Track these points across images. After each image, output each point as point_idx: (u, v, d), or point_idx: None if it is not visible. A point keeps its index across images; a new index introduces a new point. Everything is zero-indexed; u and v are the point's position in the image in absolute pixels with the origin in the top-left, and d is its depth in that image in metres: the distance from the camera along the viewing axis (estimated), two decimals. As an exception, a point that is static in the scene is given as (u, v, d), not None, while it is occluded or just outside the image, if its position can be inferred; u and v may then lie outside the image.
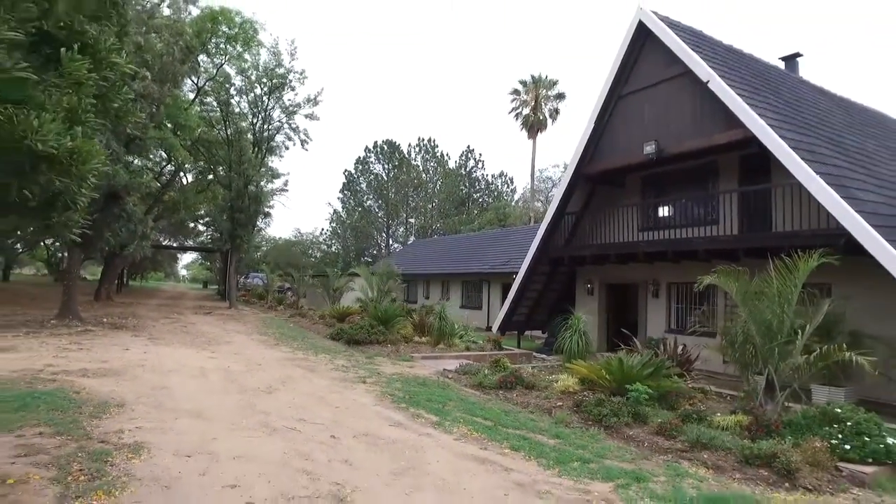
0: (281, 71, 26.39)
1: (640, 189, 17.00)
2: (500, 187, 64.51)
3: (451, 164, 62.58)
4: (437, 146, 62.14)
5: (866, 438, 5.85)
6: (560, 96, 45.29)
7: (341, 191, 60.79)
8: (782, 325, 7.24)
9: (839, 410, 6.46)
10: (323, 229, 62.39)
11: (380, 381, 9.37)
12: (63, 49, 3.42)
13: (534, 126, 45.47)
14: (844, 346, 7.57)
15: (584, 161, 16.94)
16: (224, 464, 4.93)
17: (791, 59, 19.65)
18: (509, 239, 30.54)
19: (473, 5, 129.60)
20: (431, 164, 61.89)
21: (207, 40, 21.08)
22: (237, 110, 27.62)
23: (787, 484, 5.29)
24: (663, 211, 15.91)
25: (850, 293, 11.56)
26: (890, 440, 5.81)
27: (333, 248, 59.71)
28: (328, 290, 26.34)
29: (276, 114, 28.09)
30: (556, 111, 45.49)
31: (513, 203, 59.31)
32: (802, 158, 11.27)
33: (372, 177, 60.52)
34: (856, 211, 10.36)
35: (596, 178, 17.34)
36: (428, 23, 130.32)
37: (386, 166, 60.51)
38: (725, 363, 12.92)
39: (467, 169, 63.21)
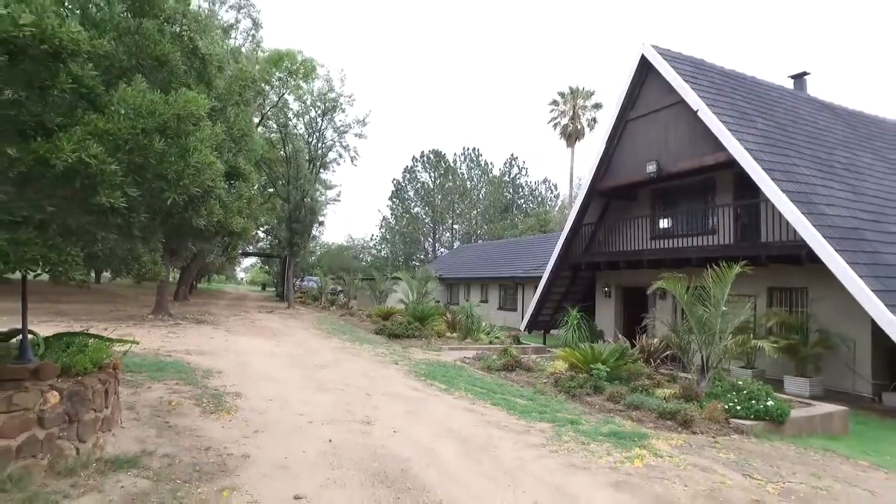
0: (333, 95, 29.50)
1: (650, 202, 18.97)
2: (543, 193, 66.39)
3: (495, 172, 64.89)
4: (481, 155, 64.64)
5: (753, 402, 7.90)
6: (597, 106, 46.83)
7: (390, 198, 64.02)
8: (714, 320, 9.25)
9: (741, 383, 8.50)
10: (373, 235, 65.85)
11: (409, 363, 11.89)
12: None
13: (572, 135, 47.23)
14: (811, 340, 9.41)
15: (598, 178, 19.06)
16: (294, 405, 7.52)
17: (799, 78, 21.13)
18: (543, 245, 32.51)
19: (513, 20, 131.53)
20: (476, 172, 64.36)
21: (272, 75, 24.30)
22: (294, 131, 30.88)
23: (683, 430, 7.43)
24: (666, 223, 17.82)
25: (822, 296, 13.32)
26: (770, 403, 7.84)
27: (383, 253, 62.92)
28: (375, 293, 29.15)
29: (329, 133, 31.27)
30: (594, 121, 47.03)
31: (555, 209, 61.01)
32: (775, 178, 13.09)
33: (419, 185, 63.49)
34: (817, 224, 12.15)
35: (609, 193, 19.42)
36: (471, 37, 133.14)
37: (432, 175, 63.37)
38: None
39: (511, 176, 65.40)
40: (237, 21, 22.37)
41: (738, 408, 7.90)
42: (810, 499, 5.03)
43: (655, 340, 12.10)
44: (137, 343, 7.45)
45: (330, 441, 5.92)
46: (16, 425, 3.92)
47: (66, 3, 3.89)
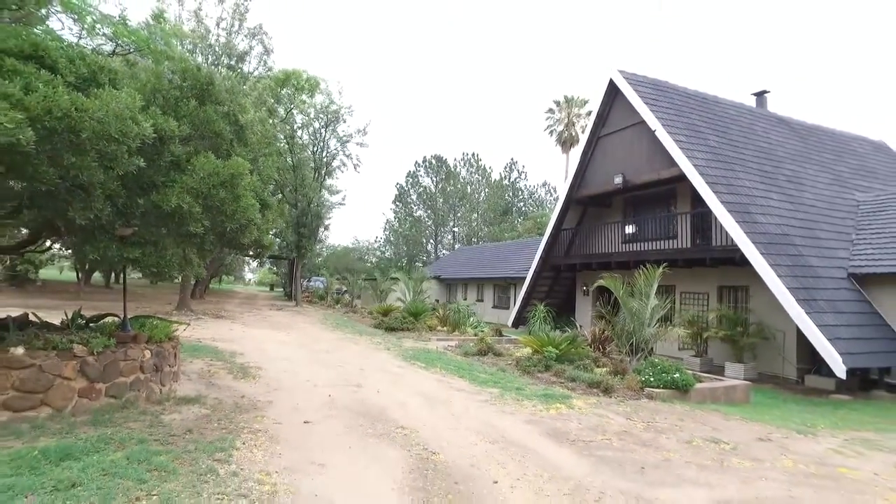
0: (334, 108, 31.74)
1: (621, 209, 21.13)
2: (542, 196, 68.45)
3: (495, 176, 67.03)
4: (481, 160, 66.81)
5: (664, 374, 10.03)
6: (591, 114, 48.58)
7: (394, 202, 66.30)
8: (643, 311, 11.35)
9: (657, 360, 10.62)
10: (378, 237, 68.16)
11: (399, 350, 14.10)
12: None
13: (567, 142, 49.33)
14: (749, 332, 11.61)
15: (574, 188, 21.23)
16: (302, 375, 9.73)
17: (760, 95, 23.17)
18: (535, 248, 34.54)
19: (512, 31, 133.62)
20: (476, 176, 66.53)
21: (280, 94, 26.59)
22: (300, 142, 33.16)
23: (604, 396, 9.56)
24: (633, 228, 19.94)
25: (759, 293, 15.38)
26: (677, 375, 9.96)
27: (387, 255, 65.17)
28: (376, 292, 31.37)
29: (332, 143, 33.54)
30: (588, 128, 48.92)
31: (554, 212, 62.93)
32: (717, 191, 15.17)
33: (421, 189, 65.74)
34: (748, 231, 14.22)
35: (585, 201, 21.58)
36: (472, 45, 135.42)
37: (434, 179, 65.61)
38: (681, 349, 16.96)
39: (511, 179, 67.53)
40: (251, 48, 24.71)
41: (652, 379, 10.03)
42: (663, 429, 7.19)
43: (597, 329, 14.19)
44: (189, 325, 9.70)
45: (329, 396, 8.13)
46: (129, 369, 6.16)
47: (159, 101, 6.08)
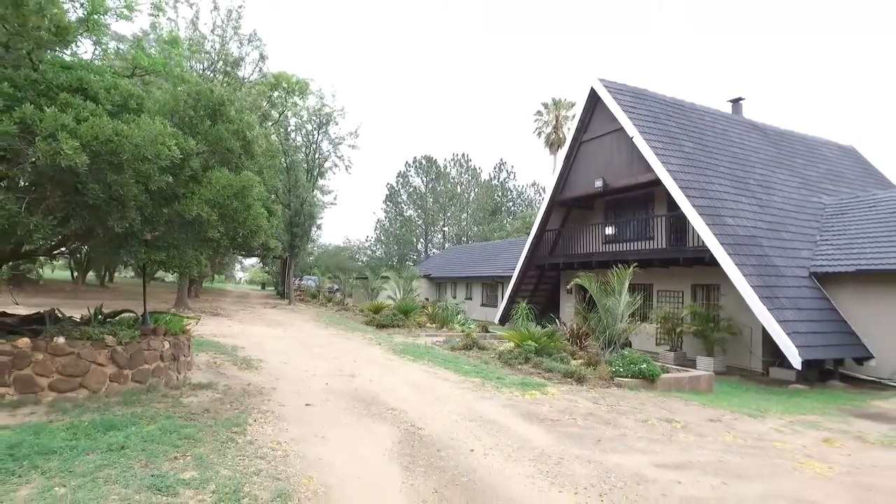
0: (327, 110, 32.54)
1: (603, 211, 22.11)
2: (532, 196, 69.50)
3: (484, 176, 68.01)
4: (471, 160, 67.77)
5: (632, 365, 10.97)
6: (576, 117, 49.76)
7: (384, 201, 67.11)
8: (616, 307, 12.29)
9: (626, 352, 11.56)
10: (369, 236, 68.93)
11: (389, 344, 14.97)
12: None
13: (554, 143, 50.25)
14: (720, 327, 12.85)
15: (558, 191, 22.19)
16: (300, 366, 10.58)
17: (736, 102, 24.22)
18: (522, 247, 35.54)
19: (503, 35, 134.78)
20: (465, 176, 67.46)
21: (272, 95, 27.35)
22: (293, 144, 33.91)
23: (577, 384, 10.48)
24: (613, 229, 20.92)
25: (729, 291, 16.34)
26: (644, 366, 10.90)
27: (378, 254, 65.97)
28: (368, 290, 32.21)
29: (325, 145, 34.33)
30: (575, 130, 49.97)
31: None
32: (689, 195, 16.14)
33: (412, 189, 66.59)
34: (717, 233, 15.19)
35: (568, 203, 22.54)
36: (462, 47, 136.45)
37: (424, 179, 66.48)
38: (658, 344, 17.95)
39: (500, 179, 68.53)
40: (246, 54, 25.49)
41: (622, 369, 10.97)
42: (624, 411, 8.12)
43: (575, 325, 15.13)
44: (199, 320, 10.52)
45: (326, 384, 9.00)
46: (152, 357, 7.00)
47: (177, 121, 6.90)
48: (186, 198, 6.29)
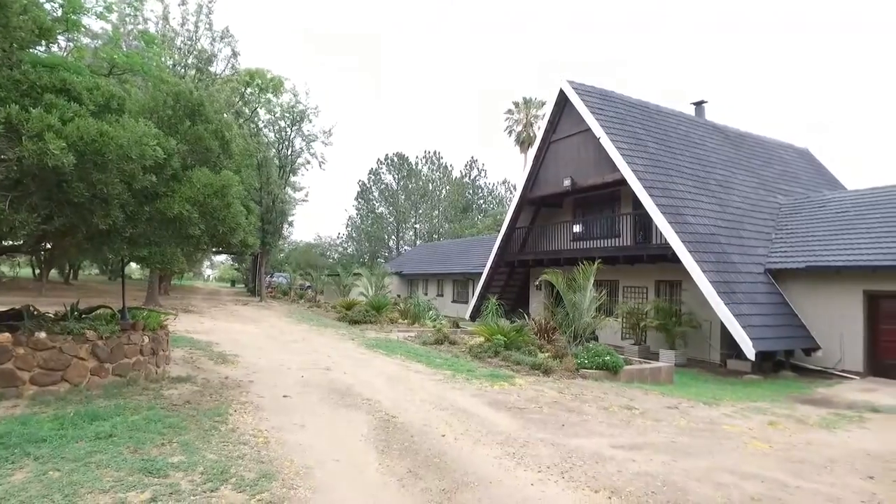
0: (300, 108, 32.49)
1: (572, 210, 22.71)
2: (503, 194, 70.14)
3: (456, 174, 68.41)
4: (442, 158, 68.06)
5: (597, 357, 11.49)
6: (546, 117, 50.59)
7: (356, 198, 66.95)
8: (582, 302, 12.80)
9: (591, 345, 12.09)
10: (340, 233, 68.71)
11: (362, 339, 15.24)
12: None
13: (525, 142, 50.96)
14: (681, 321, 13.47)
15: (527, 189, 22.70)
16: (277, 361, 10.81)
17: (699, 105, 25.05)
18: (493, 244, 36.08)
19: (474, 29, 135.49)
20: (437, 173, 67.76)
21: (244, 91, 27.23)
22: (265, 140, 33.76)
23: (544, 376, 10.95)
24: (580, 227, 21.54)
25: (690, 287, 17.01)
26: (608, 358, 11.43)
27: (350, 251, 65.82)
28: (340, 287, 32.29)
29: (298, 142, 34.25)
30: (545, 129, 50.77)
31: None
32: (653, 195, 16.76)
33: (383, 186, 66.61)
34: (678, 231, 15.83)
35: (538, 202, 23.08)
36: (434, 45, 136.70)
37: (396, 176, 66.58)
38: (623, 339, 18.59)
39: (471, 177, 69.02)
40: (219, 51, 25.31)
41: (587, 362, 11.49)
42: (587, 399, 8.60)
43: (542, 319, 15.64)
44: (177, 315, 10.64)
45: (302, 377, 9.26)
46: (133, 351, 7.18)
47: (156, 120, 7.07)
48: (168, 196, 6.50)
